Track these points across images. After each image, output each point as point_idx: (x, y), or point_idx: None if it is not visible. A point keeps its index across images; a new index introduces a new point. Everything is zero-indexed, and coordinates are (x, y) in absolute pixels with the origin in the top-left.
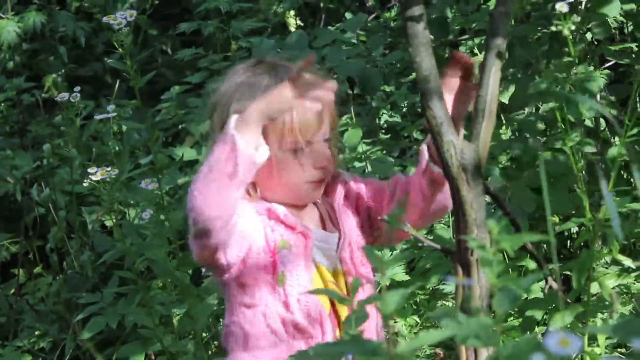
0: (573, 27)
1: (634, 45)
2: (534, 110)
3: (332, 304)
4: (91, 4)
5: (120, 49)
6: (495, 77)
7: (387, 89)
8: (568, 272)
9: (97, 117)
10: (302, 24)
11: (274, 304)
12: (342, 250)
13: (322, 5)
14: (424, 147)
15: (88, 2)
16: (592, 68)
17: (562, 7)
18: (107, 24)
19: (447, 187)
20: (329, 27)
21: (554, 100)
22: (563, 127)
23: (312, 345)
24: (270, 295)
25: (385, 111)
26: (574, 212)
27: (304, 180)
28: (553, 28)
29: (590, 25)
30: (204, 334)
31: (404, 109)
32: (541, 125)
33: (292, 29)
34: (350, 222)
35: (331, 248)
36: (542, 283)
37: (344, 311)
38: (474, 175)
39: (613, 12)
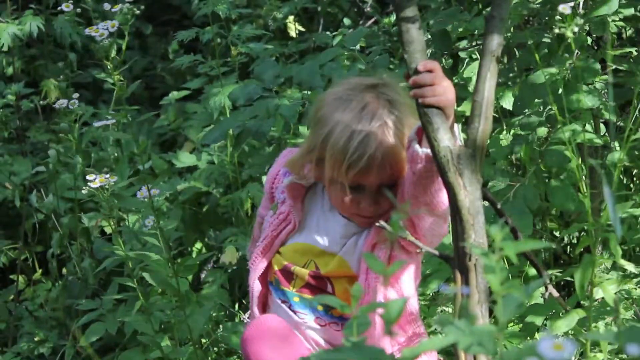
0: (576, 29)
1: (633, 50)
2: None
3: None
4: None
5: (104, 61)
6: (490, 82)
7: None
8: (568, 278)
9: (96, 124)
10: (303, 29)
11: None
12: (364, 247)
13: (320, 9)
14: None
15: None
16: (593, 60)
17: (564, 9)
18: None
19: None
20: (327, 32)
21: (550, 93)
22: (563, 119)
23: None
24: None
25: None
26: (574, 217)
27: (341, 209)
28: (556, 30)
29: (588, 25)
30: (203, 340)
31: None
32: (543, 130)
33: (292, 34)
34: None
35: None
36: (542, 289)
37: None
38: (471, 180)
39: (612, 7)
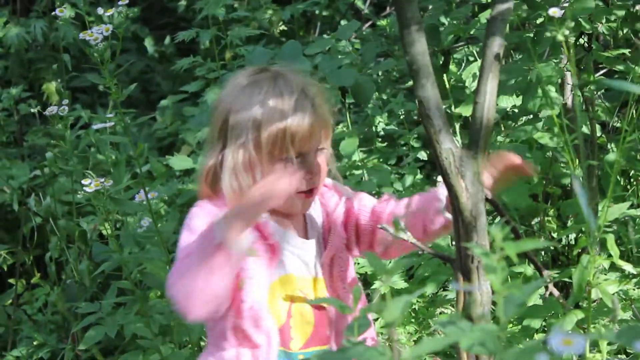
0: (567, 32)
1: (627, 51)
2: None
3: (289, 317)
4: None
5: (99, 65)
6: (492, 84)
7: (384, 96)
8: (567, 279)
9: (95, 127)
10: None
11: (228, 309)
12: (324, 259)
13: (317, 13)
14: (440, 191)
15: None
16: (561, 61)
17: (554, 13)
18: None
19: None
20: (324, 36)
21: (520, 92)
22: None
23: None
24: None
25: (381, 119)
26: (572, 218)
27: (285, 194)
28: (547, 34)
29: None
30: (202, 343)
31: (401, 117)
32: (540, 134)
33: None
34: (338, 236)
35: (309, 256)
36: (542, 290)
37: (299, 327)
38: (473, 182)
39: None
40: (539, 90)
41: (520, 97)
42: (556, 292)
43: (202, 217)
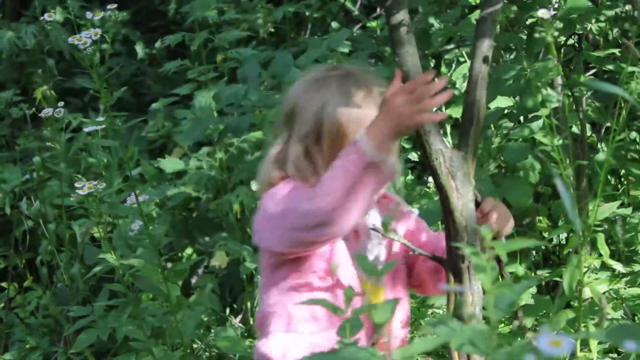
0: (556, 33)
1: (617, 51)
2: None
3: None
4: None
5: (88, 69)
6: (482, 84)
7: None
8: (557, 279)
9: (86, 129)
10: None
11: (321, 291)
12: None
13: (308, 14)
14: None
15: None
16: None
17: (543, 14)
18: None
19: None
20: (316, 37)
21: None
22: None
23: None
24: (320, 282)
25: None
26: (563, 217)
27: None
28: (537, 35)
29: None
30: (194, 345)
31: None
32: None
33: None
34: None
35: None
36: (533, 289)
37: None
38: (464, 182)
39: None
40: (537, 89)
41: (517, 98)
42: (524, 323)
43: (286, 189)
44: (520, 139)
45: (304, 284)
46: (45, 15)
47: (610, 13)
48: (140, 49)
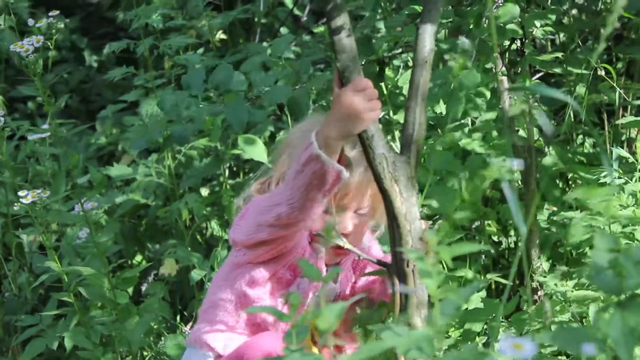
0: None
1: (560, 55)
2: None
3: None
4: None
5: (31, 76)
6: (423, 88)
7: (324, 102)
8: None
9: (31, 137)
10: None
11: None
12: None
13: (256, 20)
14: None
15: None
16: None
17: (463, 44)
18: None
19: None
20: (264, 43)
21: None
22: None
23: None
24: (271, 301)
25: None
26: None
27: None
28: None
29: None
30: (144, 353)
31: None
32: (467, 140)
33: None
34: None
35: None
36: (482, 293)
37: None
38: (407, 187)
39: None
40: (464, 97)
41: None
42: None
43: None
44: (444, 147)
45: (255, 298)
46: None
47: (553, 17)
48: (88, 56)
